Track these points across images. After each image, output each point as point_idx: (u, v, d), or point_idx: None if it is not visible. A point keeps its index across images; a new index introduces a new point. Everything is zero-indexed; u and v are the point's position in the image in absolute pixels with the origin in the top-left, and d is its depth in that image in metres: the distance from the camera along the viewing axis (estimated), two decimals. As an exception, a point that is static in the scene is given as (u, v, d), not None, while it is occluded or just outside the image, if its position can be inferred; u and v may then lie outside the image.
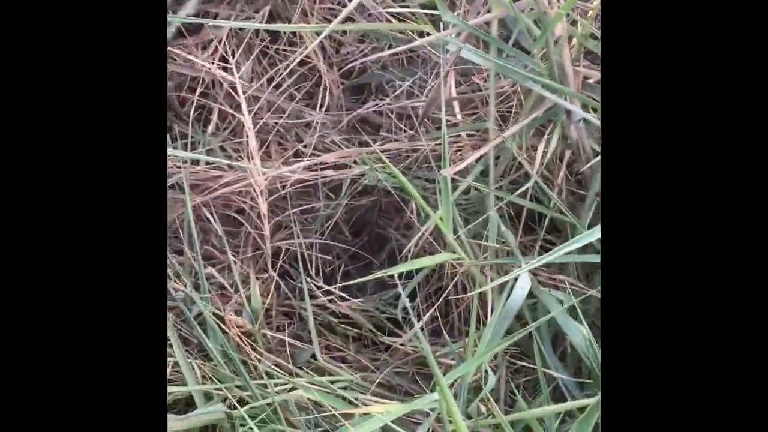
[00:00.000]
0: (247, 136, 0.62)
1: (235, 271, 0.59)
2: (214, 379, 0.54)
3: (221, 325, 0.56)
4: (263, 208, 0.61)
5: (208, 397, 0.54)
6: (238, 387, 0.54)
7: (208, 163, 0.63)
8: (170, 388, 0.53)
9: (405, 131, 0.61)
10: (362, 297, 0.67)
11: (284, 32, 0.62)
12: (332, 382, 0.57)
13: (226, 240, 0.61)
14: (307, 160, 0.61)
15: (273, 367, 0.56)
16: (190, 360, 0.54)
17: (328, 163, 0.62)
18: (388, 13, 0.61)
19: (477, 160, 0.54)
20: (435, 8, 0.49)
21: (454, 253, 0.52)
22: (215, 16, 0.60)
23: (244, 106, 0.61)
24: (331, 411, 0.51)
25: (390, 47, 0.63)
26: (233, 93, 0.61)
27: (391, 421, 0.47)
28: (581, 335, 0.48)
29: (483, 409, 0.53)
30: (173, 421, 0.50)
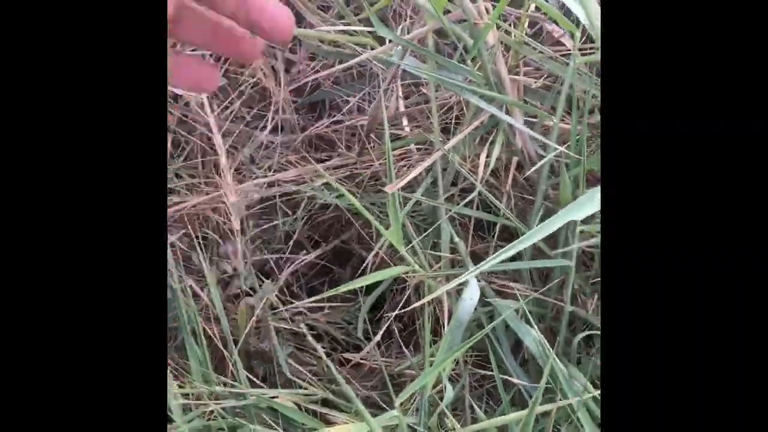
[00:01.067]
0: (217, 155, 0.63)
1: (213, 286, 0.59)
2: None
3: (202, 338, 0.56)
4: (236, 224, 0.61)
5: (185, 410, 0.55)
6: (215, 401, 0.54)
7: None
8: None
9: (356, 148, 0.61)
10: (330, 312, 0.67)
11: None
12: (304, 397, 0.58)
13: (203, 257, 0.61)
14: (261, 178, 0.62)
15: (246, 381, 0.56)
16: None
17: (285, 182, 0.63)
18: (335, 30, 0.61)
19: (427, 172, 0.54)
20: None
21: (408, 266, 0.52)
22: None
23: (215, 129, 0.61)
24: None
25: (341, 63, 0.63)
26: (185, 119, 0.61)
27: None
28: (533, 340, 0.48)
29: (448, 421, 0.53)
30: None
